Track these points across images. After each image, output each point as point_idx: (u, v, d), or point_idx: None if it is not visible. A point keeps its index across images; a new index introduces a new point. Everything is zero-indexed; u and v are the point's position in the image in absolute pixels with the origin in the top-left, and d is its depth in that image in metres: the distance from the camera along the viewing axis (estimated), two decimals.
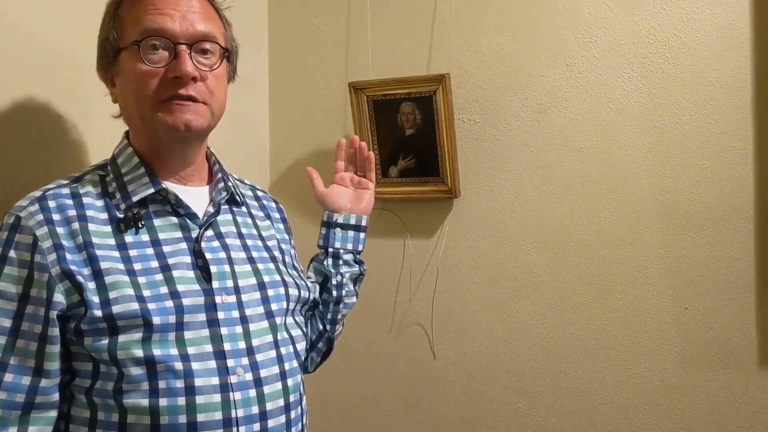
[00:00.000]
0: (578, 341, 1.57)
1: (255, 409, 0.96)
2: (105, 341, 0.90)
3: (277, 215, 1.23)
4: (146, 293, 0.92)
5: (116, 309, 0.90)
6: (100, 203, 0.98)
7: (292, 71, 1.85)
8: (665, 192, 1.49)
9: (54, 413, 0.92)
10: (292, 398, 1.02)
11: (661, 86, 1.48)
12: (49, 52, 1.22)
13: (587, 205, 1.55)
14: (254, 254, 1.07)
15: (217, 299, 0.97)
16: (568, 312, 1.57)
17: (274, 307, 1.04)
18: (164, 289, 0.94)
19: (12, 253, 0.90)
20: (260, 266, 1.06)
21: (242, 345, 0.97)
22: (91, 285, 0.90)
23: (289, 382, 1.02)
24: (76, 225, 0.94)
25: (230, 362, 0.95)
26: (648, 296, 1.50)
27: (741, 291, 1.43)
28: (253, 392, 0.96)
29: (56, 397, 0.92)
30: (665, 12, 1.47)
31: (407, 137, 1.66)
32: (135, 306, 0.91)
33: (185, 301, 0.94)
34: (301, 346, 1.11)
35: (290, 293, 1.09)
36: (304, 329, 1.16)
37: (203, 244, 1.00)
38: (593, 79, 1.54)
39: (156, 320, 0.91)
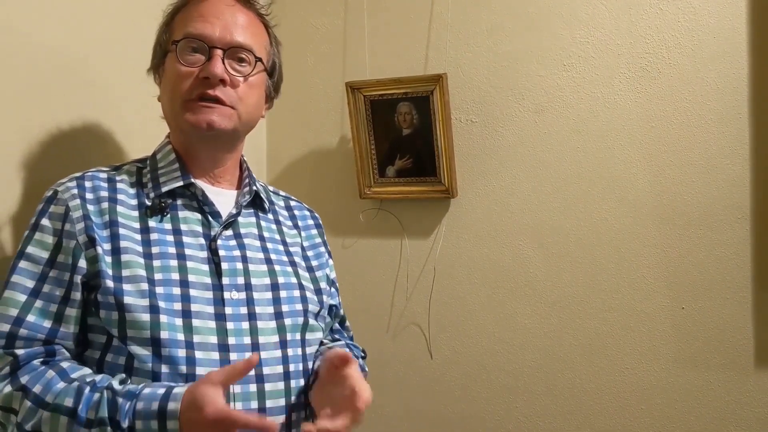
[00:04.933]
0: (575, 341, 1.57)
1: (254, 404, 0.96)
2: (115, 317, 0.93)
3: (310, 222, 1.25)
4: (158, 276, 0.96)
5: (126, 287, 0.94)
6: (132, 190, 1.04)
7: (289, 71, 1.82)
8: (662, 192, 1.49)
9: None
10: (294, 400, 1.02)
11: (658, 86, 1.49)
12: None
13: (584, 204, 1.55)
14: (273, 257, 1.09)
15: (226, 295, 1.00)
16: (565, 312, 1.57)
17: (285, 308, 1.05)
18: (175, 276, 0.97)
19: (45, 221, 0.97)
20: (277, 268, 1.08)
21: (247, 341, 0.99)
22: (108, 259, 0.96)
23: (293, 383, 1.02)
24: (105, 204, 1.00)
25: (233, 356, 0.96)
26: (645, 296, 1.51)
27: (737, 290, 1.43)
28: (253, 387, 0.97)
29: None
30: (662, 12, 1.48)
31: (404, 137, 1.65)
32: (144, 286, 0.94)
33: (192, 292, 0.97)
34: (315, 350, 1.11)
35: (307, 297, 1.10)
36: (322, 336, 1.15)
37: (219, 242, 1.03)
38: (590, 79, 1.54)
39: (162, 304, 0.94)
